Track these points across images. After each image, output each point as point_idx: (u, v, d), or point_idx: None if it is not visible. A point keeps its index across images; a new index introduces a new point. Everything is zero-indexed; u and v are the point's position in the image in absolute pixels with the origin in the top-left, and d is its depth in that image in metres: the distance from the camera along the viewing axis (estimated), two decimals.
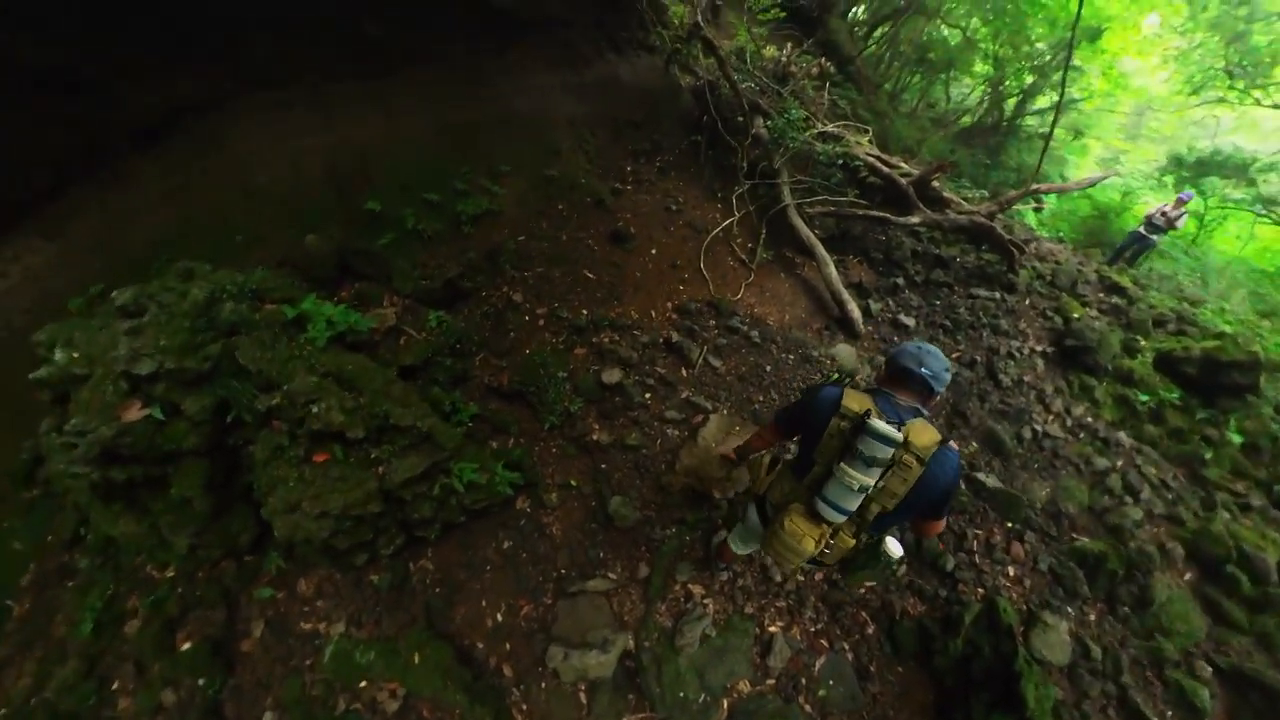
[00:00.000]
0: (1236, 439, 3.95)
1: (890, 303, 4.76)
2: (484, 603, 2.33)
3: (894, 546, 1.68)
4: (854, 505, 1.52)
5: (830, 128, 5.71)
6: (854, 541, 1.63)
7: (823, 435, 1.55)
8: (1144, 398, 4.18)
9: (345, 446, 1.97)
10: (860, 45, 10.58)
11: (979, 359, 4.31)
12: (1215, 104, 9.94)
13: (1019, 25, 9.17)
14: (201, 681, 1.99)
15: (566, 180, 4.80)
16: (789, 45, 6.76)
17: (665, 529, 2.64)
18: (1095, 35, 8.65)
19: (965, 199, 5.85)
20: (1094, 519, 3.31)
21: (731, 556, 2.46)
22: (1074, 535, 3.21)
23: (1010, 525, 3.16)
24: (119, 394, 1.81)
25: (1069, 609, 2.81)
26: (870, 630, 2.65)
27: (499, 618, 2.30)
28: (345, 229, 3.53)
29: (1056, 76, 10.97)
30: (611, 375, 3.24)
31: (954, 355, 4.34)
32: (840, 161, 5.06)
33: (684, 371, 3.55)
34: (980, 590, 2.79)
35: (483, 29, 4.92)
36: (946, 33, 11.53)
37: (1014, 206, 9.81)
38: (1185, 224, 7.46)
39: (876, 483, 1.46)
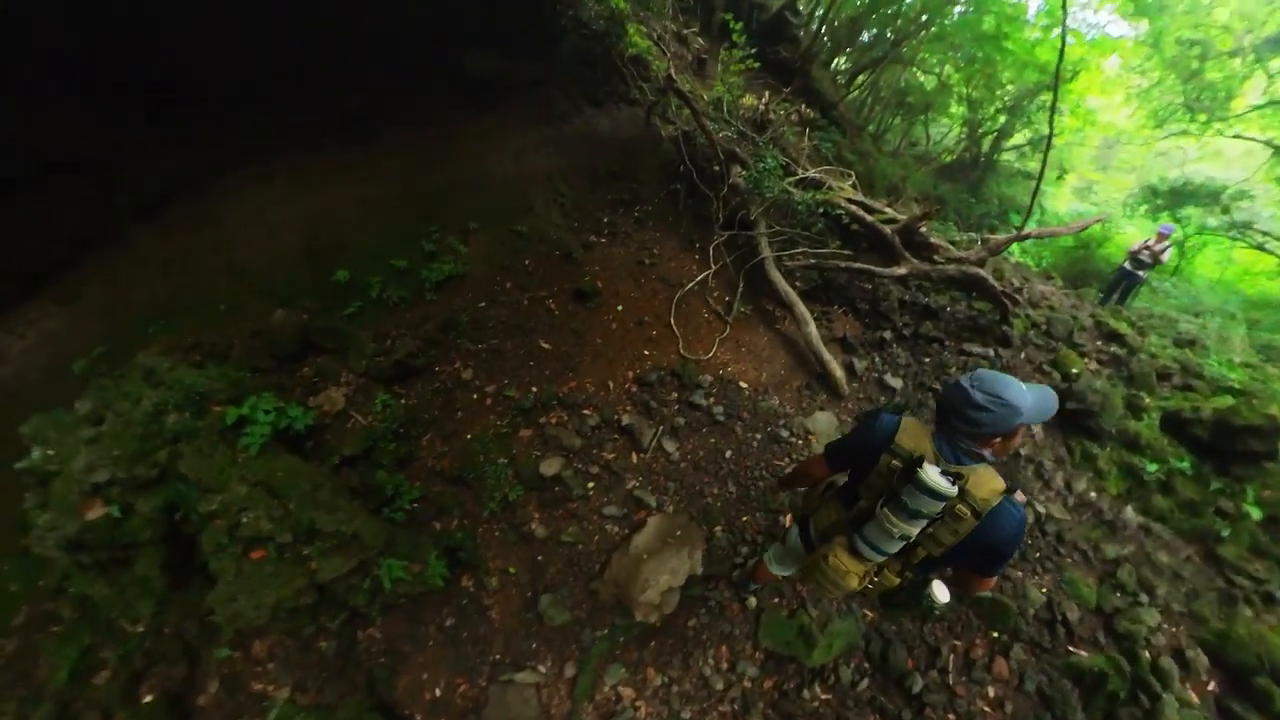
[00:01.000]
0: (1255, 513, 3.28)
1: (876, 359, 4.10)
2: (425, 675, 2.23)
3: (940, 591, 1.44)
4: (894, 550, 1.34)
5: (812, 173, 5.19)
6: (898, 580, 1.44)
7: (872, 469, 1.36)
8: (1152, 467, 3.52)
9: (278, 547, 2.01)
10: (842, 92, 10.44)
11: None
12: (1179, 135, 9.94)
13: (989, 70, 9.10)
14: None
15: (536, 235, 4.42)
16: (767, 94, 6.31)
17: (596, 630, 2.37)
18: (1071, 77, 8.46)
19: (953, 243, 5.28)
20: (1100, 623, 2.69)
21: (767, 576, 2.30)
22: (1071, 648, 2.56)
23: (996, 636, 2.53)
24: (82, 494, 1.98)
25: None
26: None
27: (438, 692, 2.20)
28: (316, 299, 3.41)
29: (1029, 115, 10.92)
30: (551, 465, 2.82)
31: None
32: (821, 210, 4.50)
33: (635, 457, 3.01)
34: (952, 717, 2.25)
35: (464, 95, 4.78)
36: (923, 78, 11.30)
37: (1021, 242, 9.24)
38: (1170, 257, 6.98)
39: (923, 531, 1.26)
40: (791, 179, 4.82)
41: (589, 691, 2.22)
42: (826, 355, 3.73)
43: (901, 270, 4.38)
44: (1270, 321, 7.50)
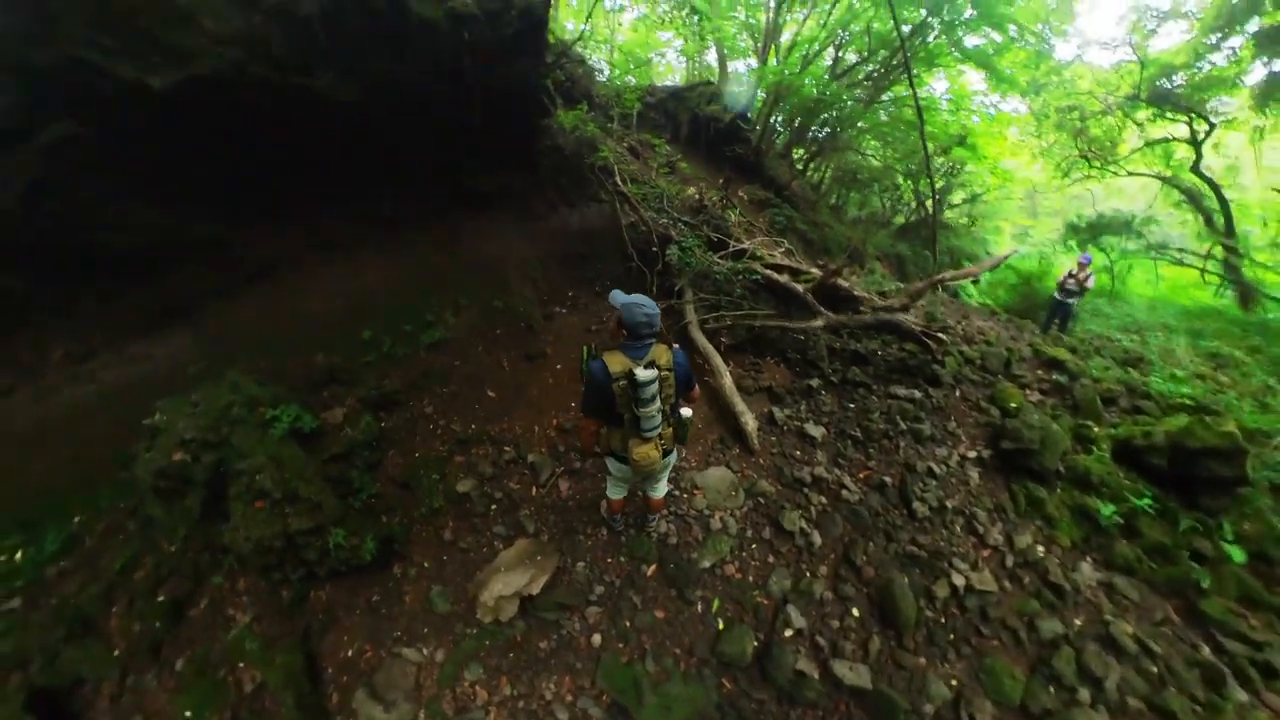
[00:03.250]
0: (1237, 555, 2.42)
1: (802, 408, 3.53)
2: (345, 637, 2.29)
3: (685, 412, 1.91)
4: (659, 421, 1.77)
5: (745, 244, 4.98)
6: (670, 429, 1.88)
7: (614, 396, 1.72)
8: (1107, 510, 2.67)
9: (272, 501, 2.36)
10: (796, 174, 10.68)
11: (891, 480, 2.90)
12: (1085, 180, 10.14)
13: (915, 149, 9.23)
14: (156, 625, 2.39)
15: (509, 309, 4.64)
16: (702, 184, 6.36)
17: (469, 628, 2.27)
18: (960, 141, 8.69)
19: (882, 293, 4.84)
20: None
21: (619, 505, 2.42)
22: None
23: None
24: (174, 445, 2.51)
25: None
26: None
27: (349, 654, 2.25)
28: (347, 349, 3.89)
29: (957, 180, 10.94)
30: (464, 485, 2.93)
31: (862, 474, 3.02)
32: (739, 276, 4.31)
33: (533, 490, 2.93)
34: None
35: (467, 203, 5.36)
36: (868, 159, 11.86)
37: (956, 284, 8.90)
38: (1095, 282, 6.47)
39: (660, 400, 1.73)
40: (723, 252, 4.70)
41: (451, 681, 2.11)
42: (739, 408, 3.25)
43: (819, 322, 3.96)
44: (1212, 329, 6.60)
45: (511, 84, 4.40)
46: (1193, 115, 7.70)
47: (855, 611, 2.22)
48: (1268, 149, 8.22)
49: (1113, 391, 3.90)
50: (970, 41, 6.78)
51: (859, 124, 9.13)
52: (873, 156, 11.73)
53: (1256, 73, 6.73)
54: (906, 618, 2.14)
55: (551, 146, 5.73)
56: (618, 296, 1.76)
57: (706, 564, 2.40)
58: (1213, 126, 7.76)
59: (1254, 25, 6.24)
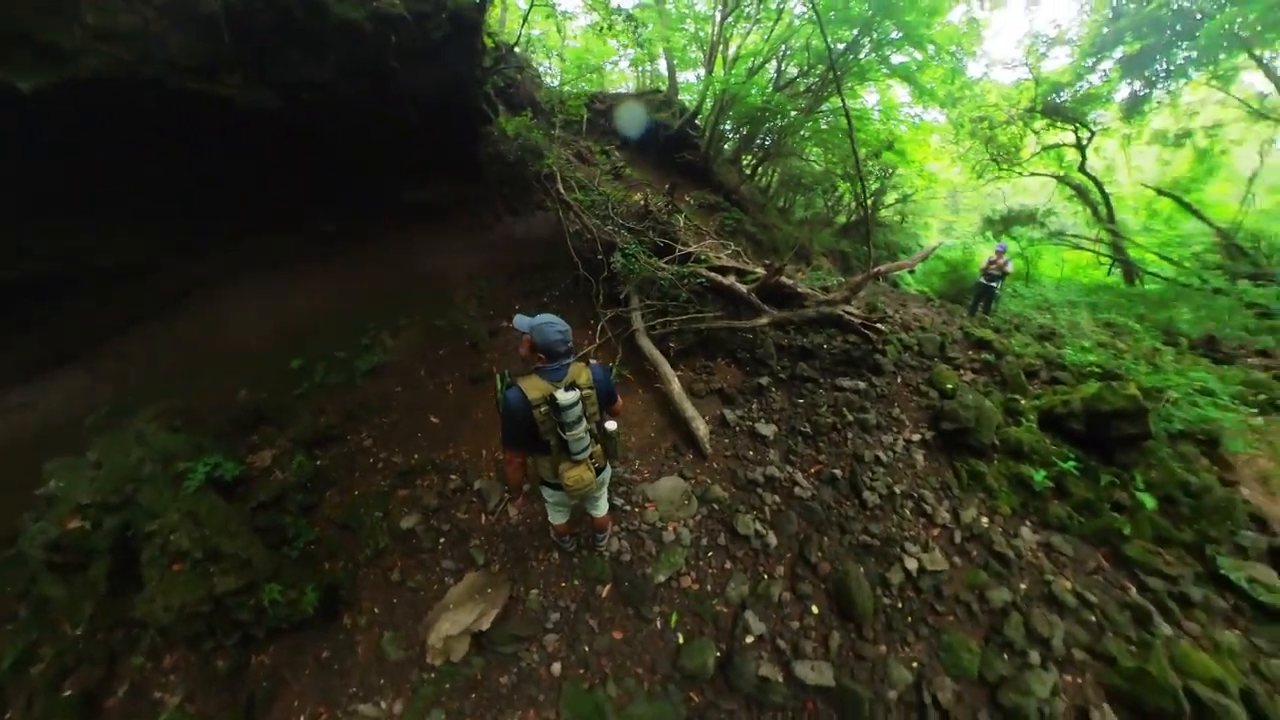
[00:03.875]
0: (1149, 502, 2.66)
1: (753, 407, 3.51)
2: (296, 702, 2.08)
3: (610, 425, 1.82)
4: (587, 443, 1.71)
5: (693, 248, 4.98)
6: (599, 446, 1.81)
7: (537, 424, 1.64)
8: (1039, 475, 2.86)
9: (192, 562, 2.14)
10: (745, 179, 11.08)
11: (840, 472, 2.92)
12: (995, 180, 11.41)
13: (847, 153, 10.03)
14: None
15: (453, 327, 4.37)
16: (649, 190, 6.36)
17: (425, 672, 2.10)
18: (889, 146, 9.59)
19: (824, 288, 5.00)
20: (984, 697, 1.90)
21: (565, 528, 2.36)
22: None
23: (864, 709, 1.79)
24: (70, 510, 2.30)
25: None
26: None
27: (303, 719, 2.01)
28: (275, 381, 3.59)
29: (889, 182, 11.94)
30: (410, 521, 2.72)
31: (813, 469, 3.01)
32: (684, 280, 4.25)
33: (482, 518, 2.76)
34: None
35: (403, 214, 5.05)
36: (811, 164, 12.68)
37: (894, 274, 9.48)
38: (1013, 266, 7.24)
39: (586, 421, 1.68)
40: (669, 257, 4.66)
41: None
42: (689, 413, 3.17)
43: (764, 320, 4.00)
44: (1106, 302, 7.50)
45: (447, 90, 4.17)
46: (1077, 124, 8.98)
47: (814, 609, 2.20)
48: (1135, 152, 9.87)
49: (1033, 365, 4.21)
50: (896, 59, 7.57)
51: (801, 132, 9.67)
52: (815, 162, 12.55)
53: (1123, 91, 8.17)
54: (864, 609, 2.15)
55: (494, 154, 5.51)
56: (522, 321, 1.66)
57: (662, 578, 2.33)
58: (1093, 134, 9.08)
59: (1119, 53, 7.51)
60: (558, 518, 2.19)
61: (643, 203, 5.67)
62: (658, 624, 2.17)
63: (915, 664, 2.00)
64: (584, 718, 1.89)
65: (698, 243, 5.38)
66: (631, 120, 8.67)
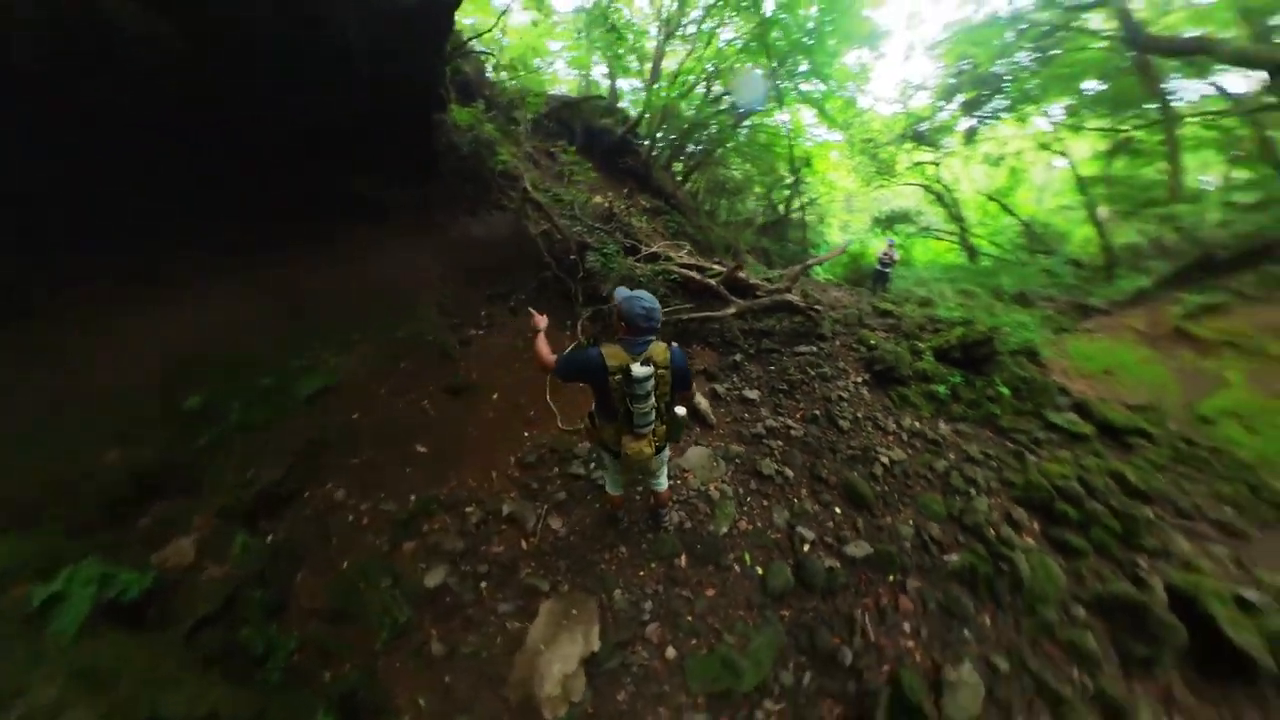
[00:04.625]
0: (1006, 392, 4.03)
1: (735, 379, 4.11)
2: None
3: (680, 410, 1.89)
4: (652, 418, 1.76)
5: (655, 248, 5.46)
6: (664, 426, 1.87)
7: (609, 389, 1.72)
8: (941, 389, 4.05)
9: None
10: (678, 185, 11.98)
11: (819, 412, 3.67)
12: (879, 188, 14.25)
13: (769, 165, 12.10)
14: None
15: (414, 337, 3.92)
16: (610, 194, 6.73)
17: None
18: (807, 163, 11.69)
19: (768, 279, 5.86)
20: (955, 527, 2.71)
21: (620, 500, 2.40)
22: (944, 558, 2.51)
23: (891, 579, 2.39)
24: None
25: (966, 632, 2.16)
26: None
27: None
28: (167, 430, 2.67)
29: (799, 188, 14.03)
30: (435, 577, 2.24)
31: (798, 415, 3.68)
32: (660, 277, 4.68)
33: (524, 543, 2.47)
34: (886, 667, 2.01)
35: (353, 214, 4.47)
36: (733, 173, 14.19)
37: (808, 271, 11.07)
38: (899, 256, 9.41)
39: (655, 397, 1.72)
40: (637, 256, 5.03)
41: None
42: (698, 398, 3.61)
43: (731, 309, 4.55)
44: (959, 275, 10.19)
45: (413, 66, 3.55)
46: (935, 147, 12.18)
47: (837, 510, 2.79)
48: (972, 168, 13.35)
49: (922, 322, 5.57)
50: (804, 87, 9.35)
51: (728, 144, 10.98)
52: (736, 171, 14.39)
53: (963, 125, 11.35)
54: (868, 497, 2.86)
55: (449, 145, 5.18)
56: (621, 291, 1.77)
57: (724, 530, 2.55)
58: (945, 155, 12.33)
59: (960, 98, 10.57)
60: (613, 488, 2.25)
61: (606, 205, 6.04)
62: (736, 568, 2.36)
63: (910, 521, 2.72)
64: (715, 679, 1.92)
65: (656, 244, 5.91)
66: (579, 124, 9.00)
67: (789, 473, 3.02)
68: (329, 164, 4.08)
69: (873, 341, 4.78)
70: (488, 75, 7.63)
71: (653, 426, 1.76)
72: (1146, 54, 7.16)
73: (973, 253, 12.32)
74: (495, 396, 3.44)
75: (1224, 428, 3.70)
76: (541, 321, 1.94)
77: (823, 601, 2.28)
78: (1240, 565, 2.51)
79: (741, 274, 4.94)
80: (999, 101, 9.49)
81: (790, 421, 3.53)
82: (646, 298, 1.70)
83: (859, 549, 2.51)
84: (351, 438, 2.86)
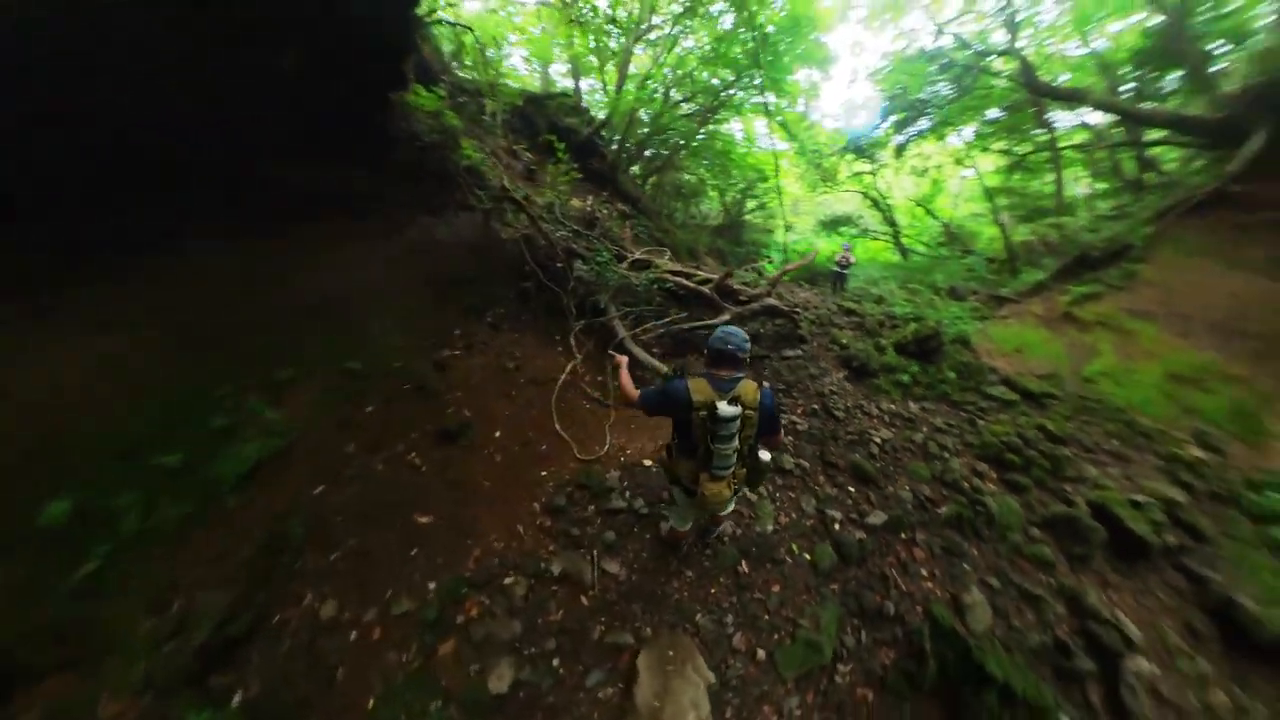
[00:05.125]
0: (952, 375, 4.77)
1: None
2: None
3: (764, 455, 1.81)
4: (732, 462, 1.68)
5: (639, 254, 5.50)
6: (744, 470, 1.78)
7: (692, 425, 1.64)
8: (905, 377, 4.66)
9: None
10: (641, 188, 12.07)
11: (817, 406, 4.03)
12: (824, 193, 15.73)
13: (725, 169, 12.78)
14: None
15: (376, 369, 3.05)
16: (590, 197, 6.65)
17: None
18: (763, 178, 12.83)
19: (747, 284, 6.10)
20: (939, 484, 3.22)
21: (683, 534, 2.33)
22: (938, 510, 2.98)
23: (904, 536, 2.80)
24: None
25: (965, 565, 2.62)
26: (871, 699, 1.99)
27: None
28: (23, 564, 1.71)
29: (752, 194, 14.79)
30: (500, 679, 1.81)
31: (798, 410, 3.99)
32: (655, 285, 4.68)
33: (584, 599, 2.19)
34: (919, 608, 2.36)
35: (282, 210, 3.43)
36: (690, 177, 14.69)
37: (758, 266, 11.76)
38: (855, 258, 10.24)
39: (739, 439, 1.63)
40: (624, 263, 4.96)
41: None
42: (780, 436, 3.79)
43: (726, 316, 4.71)
44: (898, 274, 11.59)
45: (382, 8, 2.70)
46: (871, 160, 13.61)
47: (851, 489, 3.13)
48: (903, 178, 14.88)
49: (881, 319, 6.22)
50: (756, 100, 10.05)
51: (689, 146, 11.40)
52: (692, 175, 15.03)
53: (895, 141, 12.21)
54: (872, 474, 3.26)
55: (408, 133, 4.44)
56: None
57: (770, 528, 2.72)
58: (880, 166, 13.83)
59: (892, 118, 11.80)
60: (680, 524, 2.14)
61: (588, 209, 5.97)
62: (789, 560, 2.53)
63: (906, 487, 3.14)
64: (803, 661, 2.05)
65: (639, 250, 5.91)
66: (544, 122, 8.75)
67: (805, 463, 3.27)
68: (256, 145, 3.09)
69: (844, 340, 5.28)
70: (449, 61, 7.02)
71: (733, 469, 1.68)
72: (1036, 94, 8.82)
73: (904, 251, 14.01)
74: (498, 434, 2.93)
75: (1102, 385, 4.74)
76: (624, 360, 1.99)
77: (859, 569, 2.54)
78: (1129, 479, 3.34)
79: (731, 281, 5.15)
80: (924, 123, 11.13)
81: (794, 417, 3.82)
82: (735, 333, 1.66)
83: (877, 518, 2.87)
84: (322, 525, 2.10)
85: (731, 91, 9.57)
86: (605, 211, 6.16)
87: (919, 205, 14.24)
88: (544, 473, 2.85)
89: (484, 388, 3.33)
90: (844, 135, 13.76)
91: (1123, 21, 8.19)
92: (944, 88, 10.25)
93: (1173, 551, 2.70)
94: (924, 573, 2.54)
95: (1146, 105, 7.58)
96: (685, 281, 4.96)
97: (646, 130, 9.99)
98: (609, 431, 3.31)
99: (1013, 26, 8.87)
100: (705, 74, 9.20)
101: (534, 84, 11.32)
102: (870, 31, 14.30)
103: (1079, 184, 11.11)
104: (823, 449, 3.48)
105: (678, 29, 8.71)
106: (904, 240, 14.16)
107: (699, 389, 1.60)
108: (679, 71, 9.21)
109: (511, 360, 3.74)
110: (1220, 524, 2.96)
